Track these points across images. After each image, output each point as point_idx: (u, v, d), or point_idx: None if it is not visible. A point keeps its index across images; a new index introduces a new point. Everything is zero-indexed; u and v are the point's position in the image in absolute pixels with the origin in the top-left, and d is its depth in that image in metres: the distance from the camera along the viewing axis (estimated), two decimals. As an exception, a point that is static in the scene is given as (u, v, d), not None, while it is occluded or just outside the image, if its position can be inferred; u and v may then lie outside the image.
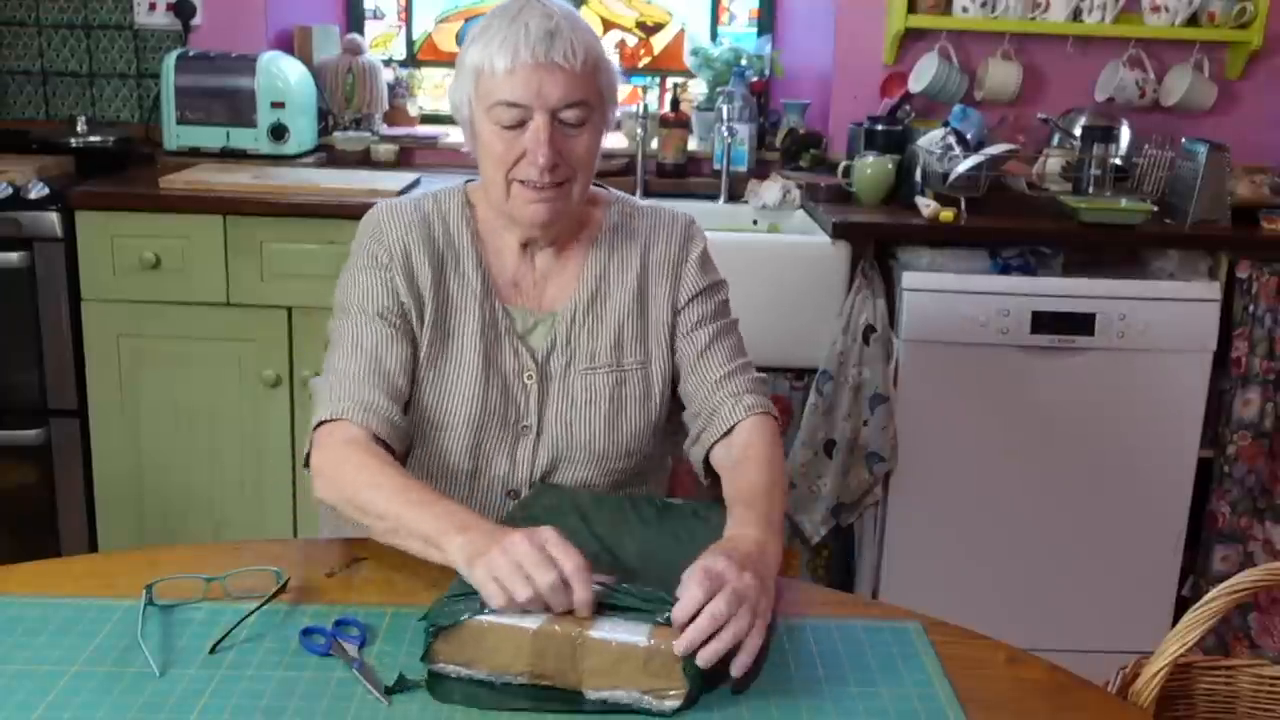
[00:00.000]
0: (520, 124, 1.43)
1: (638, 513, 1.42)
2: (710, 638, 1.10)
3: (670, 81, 3.49)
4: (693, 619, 1.10)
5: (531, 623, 1.12)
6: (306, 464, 1.43)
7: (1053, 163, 2.95)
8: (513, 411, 1.51)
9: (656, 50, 3.58)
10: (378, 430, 1.40)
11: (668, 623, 1.12)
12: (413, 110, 3.40)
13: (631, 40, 3.57)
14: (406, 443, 1.47)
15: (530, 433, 1.51)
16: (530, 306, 1.55)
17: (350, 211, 2.63)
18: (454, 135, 3.32)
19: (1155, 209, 2.71)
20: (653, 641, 1.10)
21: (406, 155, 3.25)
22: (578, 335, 1.53)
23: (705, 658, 1.09)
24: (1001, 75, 3.11)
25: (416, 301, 1.50)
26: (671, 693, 1.10)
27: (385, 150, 3.19)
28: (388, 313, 1.48)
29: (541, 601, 1.11)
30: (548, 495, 1.47)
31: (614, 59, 1.50)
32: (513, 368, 1.51)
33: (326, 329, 1.55)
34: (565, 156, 1.44)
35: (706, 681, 1.12)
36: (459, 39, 3.58)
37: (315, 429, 1.42)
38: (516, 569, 1.11)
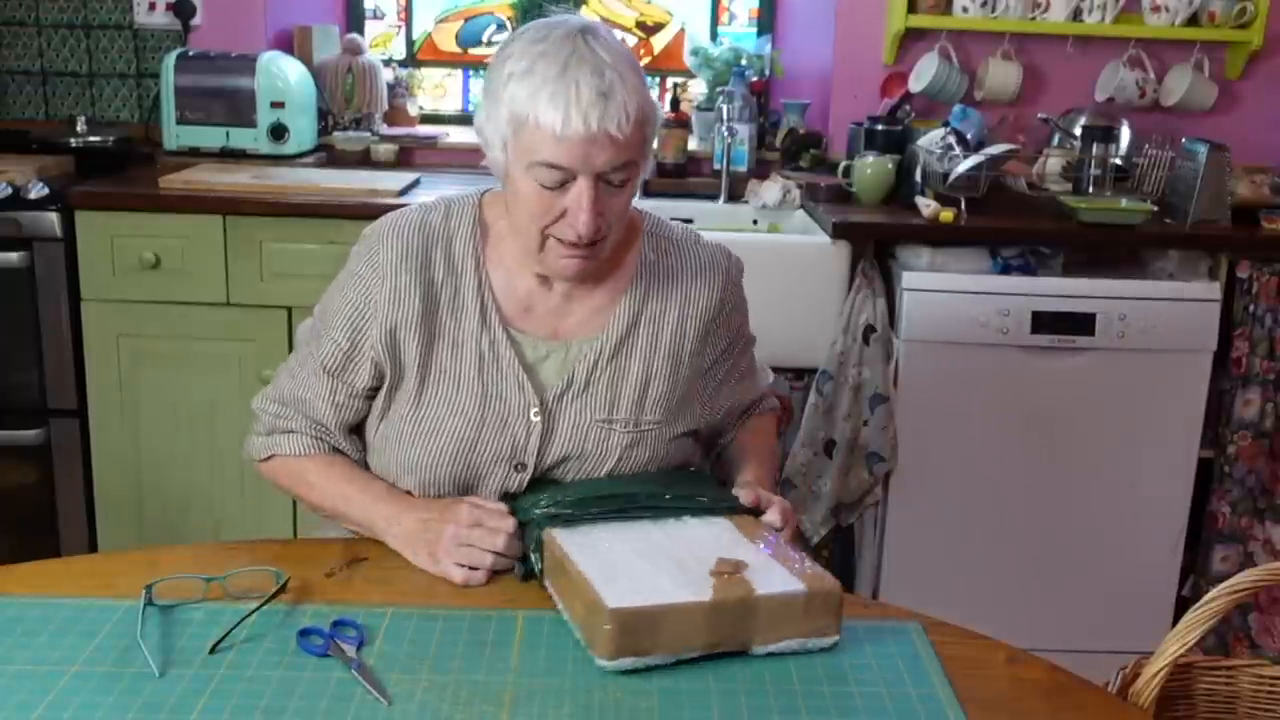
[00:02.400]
0: (561, 184, 1.33)
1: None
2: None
3: (670, 81, 3.49)
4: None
5: (702, 595, 1.15)
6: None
7: (1053, 163, 2.95)
8: (508, 447, 1.42)
9: (656, 50, 3.58)
10: (309, 448, 1.49)
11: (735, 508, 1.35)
12: (412, 110, 3.40)
13: (631, 40, 3.57)
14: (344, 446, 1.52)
15: (525, 471, 1.43)
16: (542, 334, 1.45)
17: (350, 211, 2.63)
18: (454, 135, 3.32)
19: (1155, 209, 2.71)
20: (809, 587, 1.18)
21: (406, 155, 3.25)
22: (597, 381, 1.44)
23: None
24: (1001, 75, 3.11)
25: (389, 342, 1.42)
26: (830, 629, 1.19)
27: (385, 150, 3.19)
28: (334, 360, 1.45)
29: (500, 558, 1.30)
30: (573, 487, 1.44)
31: (655, 102, 1.40)
32: (516, 403, 1.42)
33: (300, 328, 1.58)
34: (605, 215, 1.36)
35: None
36: (459, 39, 3.58)
37: (253, 460, 1.53)
38: (463, 544, 1.31)
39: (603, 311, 1.47)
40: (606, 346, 1.45)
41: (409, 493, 1.45)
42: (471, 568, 1.31)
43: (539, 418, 1.43)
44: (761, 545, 1.27)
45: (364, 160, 3.19)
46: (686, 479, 1.47)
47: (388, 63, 3.39)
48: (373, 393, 1.47)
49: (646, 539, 1.28)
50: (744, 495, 1.38)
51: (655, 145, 3.24)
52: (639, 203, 1.50)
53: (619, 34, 3.48)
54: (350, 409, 1.48)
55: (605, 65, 1.30)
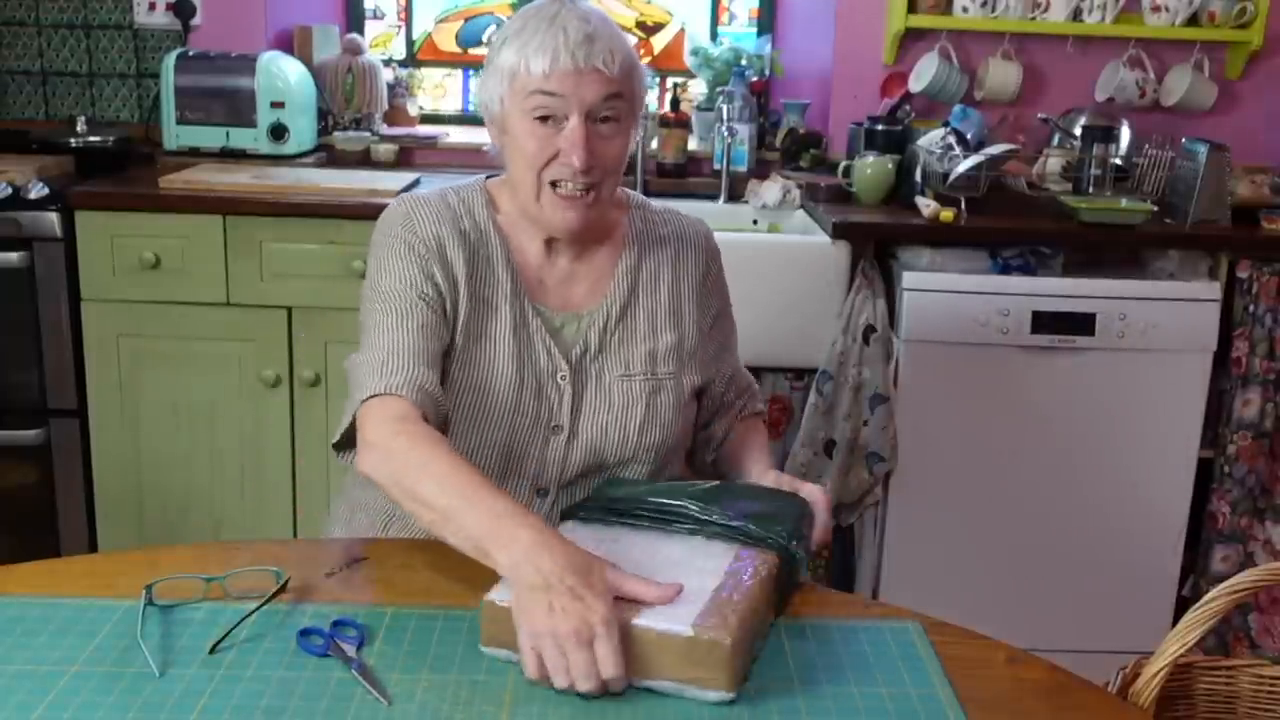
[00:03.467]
0: (555, 122, 1.42)
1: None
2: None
3: (670, 81, 3.49)
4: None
5: None
6: (339, 447, 1.41)
7: (1053, 163, 2.95)
8: (545, 411, 1.49)
9: (656, 50, 3.58)
10: (426, 410, 1.36)
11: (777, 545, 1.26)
12: (412, 110, 3.40)
13: (631, 40, 3.56)
14: (445, 426, 1.44)
15: (561, 433, 1.50)
16: (556, 305, 1.53)
17: (350, 211, 2.63)
18: (454, 135, 3.32)
19: (1155, 209, 2.71)
20: (695, 630, 1.09)
21: (406, 155, 3.25)
22: (609, 342, 1.53)
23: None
24: (1001, 75, 3.11)
25: (452, 294, 1.47)
26: (716, 682, 1.09)
27: (385, 150, 3.19)
28: (428, 298, 1.45)
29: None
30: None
31: (645, 70, 1.55)
32: (546, 367, 1.50)
33: (360, 314, 1.49)
34: (598, 159, 1.44)
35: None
36: (459, 39, 3.58)
37: (364, 401, 1.35)
38: (560, 656, 1.07)
39: (605, 281, 1.56)
40: (613, 311, 1.54)
41: None
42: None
43: (566, 382, 1.50)
44: (724, 577, 1.19)
45: (364, 160, 3.19)
46: (760, 502, 1.37)
47: (388, 63, 3.39)
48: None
49: (624, 553, 1.24)
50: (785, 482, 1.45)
51: (656, 145, 3.27)
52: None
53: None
54: (448, 351, 1.47)
55: (591, 15, 1.44)
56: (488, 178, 1.60)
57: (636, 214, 1.61)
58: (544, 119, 1.42)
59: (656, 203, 1.67)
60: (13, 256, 2.66)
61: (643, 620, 1.11)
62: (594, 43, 1.40)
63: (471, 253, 1.50)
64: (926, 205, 2.69)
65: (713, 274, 1.63)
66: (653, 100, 3.38)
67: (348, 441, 1.41)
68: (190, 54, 3.05)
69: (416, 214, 1.50)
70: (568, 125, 1.42)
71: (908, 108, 3.05)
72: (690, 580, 1.18)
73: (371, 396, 1.35)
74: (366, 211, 2.52)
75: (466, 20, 3.58)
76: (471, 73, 3.59)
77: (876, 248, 2.68)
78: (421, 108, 3.47)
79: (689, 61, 3.38)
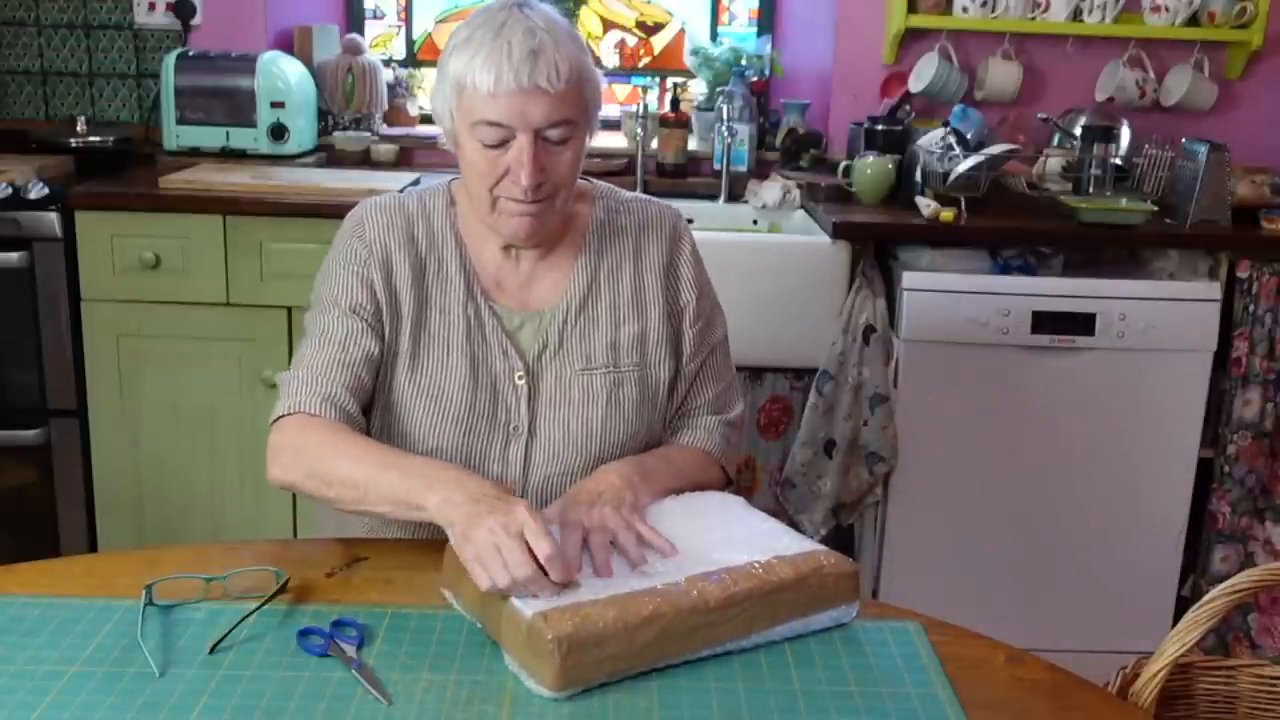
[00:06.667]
0: (503, 142, 1.40)
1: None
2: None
3: (670, 81, 3.49)
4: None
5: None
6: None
7: (1053, 163, 2.95)
8: (502, 413, 1.48)
9: (656, 50, 3.58)
10: (336, 420, 1.41)
11: None
12: (412, 110, 3.40)
13: (631, 40, 3.57)
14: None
15: (520, 434, 1.49)
16: (515, 306, 1.52)
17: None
18: (454, 135, 3.31)
19: (1155, 209, 2.71)
20: (532, 618, 1.10)
21: (406, 155, 3.25)
22: (570, 336, 1.51)
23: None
24: (1001, 75, 3.11)
25: (392, 303, 1.48)
26: (539, 676, 1.09)
27: (385, 150, 3.19)
28: (360, 309, 1.47)
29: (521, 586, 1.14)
30: None
31: (597, 70, 1.49)
32: (502, 369, 1.49)
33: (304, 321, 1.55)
34: (549, 173, 1.42)
35: None
36: (458, 39, 3.57)
37: (274, 421, 1.42)
38: (495, 555, 1.14)
39: (565, 276, 1.54)
40: (572, 305, 1.53)
41: None
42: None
43: (524, 381, 1.49)
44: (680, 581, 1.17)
45: (364, 160, 3.19)
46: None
47: (388, 63, 3.39)
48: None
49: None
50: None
51: (656, 145, 3.26)
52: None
53: (618, 34, 3.47)
54: (380, 359, 1.48)
55: (538, 28, 1.39)
56: (452, 180, 1.59)
57: (599, 205, 1.58)
58: (492, 145, 1.41)
59: (627, 193, 1.63)
60: (13, 256, 2.66)
61: (513, 597, 1.14)
62: (538, 59, 1.36)
63: (421, 261, 1.51)
64: (926, 205, 2.69)
65: (679, 263, 1.58)
66: (653, 100, 3.38)
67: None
68: (190, 54, 3.05)
69: (369, 220, 1.52)
70: (515, 145, 1.40)
71: (908, 108, 3.05)
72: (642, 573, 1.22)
73: (281, 416, 1.41)
74: (366, 211, 2.52)
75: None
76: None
77: (876, 248, 2.68)
78: (421, 108, 3.47)
79: (689, 61, 3.38)
